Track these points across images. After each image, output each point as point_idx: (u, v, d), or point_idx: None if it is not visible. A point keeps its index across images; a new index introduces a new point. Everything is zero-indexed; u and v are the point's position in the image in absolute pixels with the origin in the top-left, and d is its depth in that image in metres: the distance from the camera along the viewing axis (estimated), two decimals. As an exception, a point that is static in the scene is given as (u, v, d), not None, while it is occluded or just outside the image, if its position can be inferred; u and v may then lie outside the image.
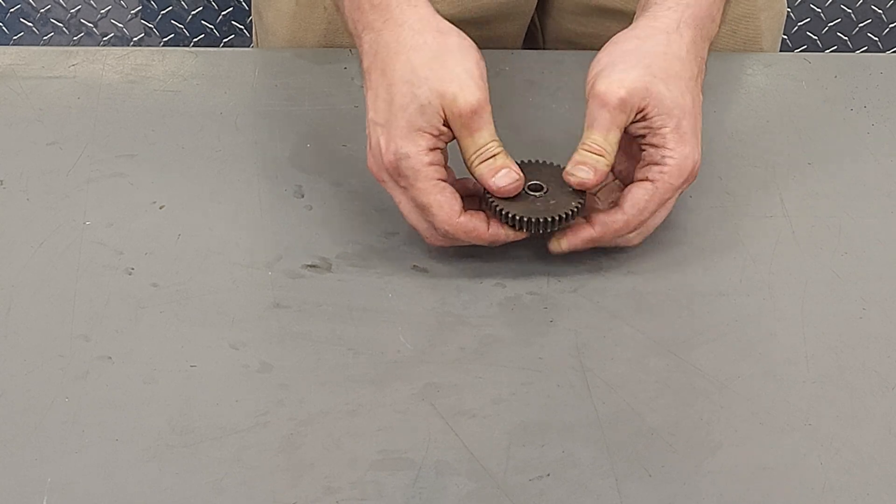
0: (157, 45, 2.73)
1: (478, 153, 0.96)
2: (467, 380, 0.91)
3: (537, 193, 0.98)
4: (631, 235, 0.99)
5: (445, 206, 0.95)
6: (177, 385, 0.90)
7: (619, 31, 1.02)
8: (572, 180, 0.97)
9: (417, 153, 0.95)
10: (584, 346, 0.93)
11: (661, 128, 0.96)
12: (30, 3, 2.75)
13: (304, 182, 1.08)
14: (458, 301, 0.97)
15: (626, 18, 1.14)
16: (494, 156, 0.96)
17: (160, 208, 1.05)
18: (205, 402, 0.89)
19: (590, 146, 0.96)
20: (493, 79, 1.04)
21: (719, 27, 1.04)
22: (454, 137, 0.97)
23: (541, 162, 1.00)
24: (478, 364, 0.92)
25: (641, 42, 0.98)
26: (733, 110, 1.19)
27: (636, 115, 0.96)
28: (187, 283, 0.98)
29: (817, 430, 0.88)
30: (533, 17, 1.35)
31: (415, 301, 0.97)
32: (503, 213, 0.96)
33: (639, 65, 0.96)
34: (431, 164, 0.95)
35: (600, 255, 1.01)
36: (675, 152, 0.96)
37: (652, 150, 0.96)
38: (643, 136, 0.97)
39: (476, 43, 1.17)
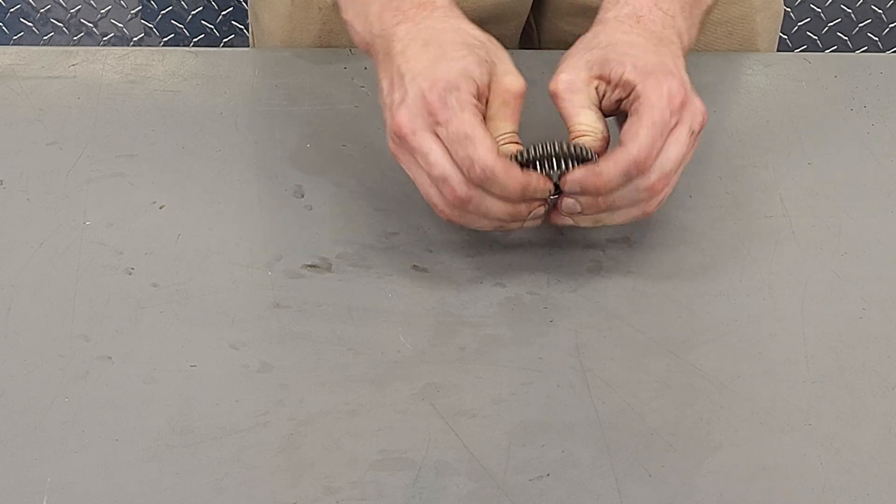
0: (157, 45, 2.73)
1: (504, 137, 0.96)
2: (467, 380, 0.91)
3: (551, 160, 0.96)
4: (648, 182, 0.94)
5: (489, 139, 0.92)
6: (177, 385, 0.90)
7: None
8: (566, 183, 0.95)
9: (467, 90, 0.93)
10: (584, 346, 0.94)
11: (619, 76, 0.95)
12: (30, 3, 2.75)
13: (304, 182, 1.08)
14: (458, 301, 0.97)
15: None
16: (514, 143, 0.96)
17: (160, 208, 1.05)
18: (205, 402, 0.89)
19: (571, 136, 0.96)
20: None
21: (700, 17, 1.04)
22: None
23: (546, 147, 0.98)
24: (478, 364, 0.92)
25: (581, 39, 1.00)
26: (733, 110, 1.19)
27: (601, 87, 0.96)
28: (187, 283, 0.98)
29: (817, 430, 0.88)
30: (528, 17, 1.35)
31: (415, 301, 0.97)
32: (522, 155, 0.94)
33: (577, 51, 0.98)
34: (475, 106, 0.94)
35: (600, 255, 1.01)
36: (645, 82, 0.94)
37: (629, 98, 0.95)
38: (620, 103, 0.96)
39: (532, 51, 1.17)
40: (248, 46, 1.42)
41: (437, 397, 0.89)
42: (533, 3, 1.32)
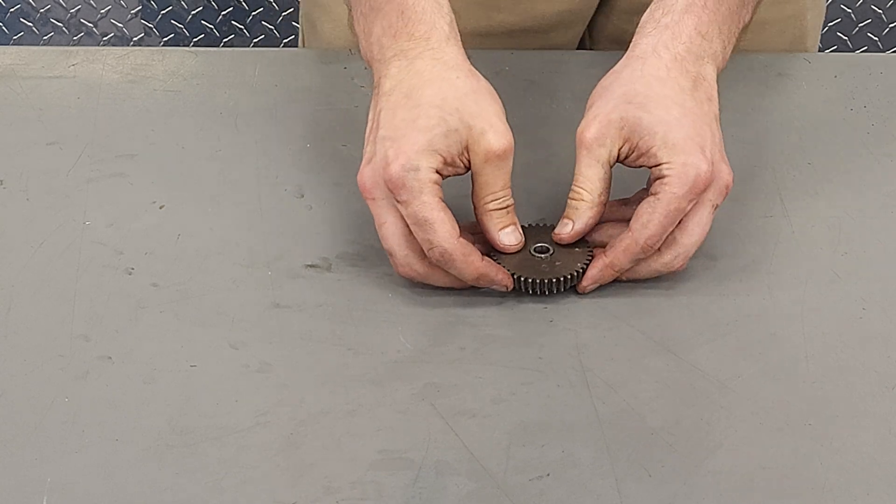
0: (157, 45, 2.73)
1: (493, 196, 0.96)
2: (467, 380, 0.91)
3: (542, 255, 0.98)
4: (668, 259, 0.96)
5: (448, 223, 0.93)
6: (177, 385, 0.90)
7: None
8: (556, 238, 0.98)
9: (428, 168, 0.93)
10: (584, 346, 0.93)
11: (649, 149, 0.95)
12: (30, 3, 2.75)
13: (304, 182, 1.08)
14: (458, 301, 0.97)
15: None
16: (507, 208, 0.97)
17: (160, 208, 1.05)
18: (205, 402, 0.89)
19: (572, 194, 0.97)
20: (493, 79, 1.03)
21: (737, 35, 1.04)
22: (462, 173, 0.96)
23: (546, 225, 1.00)
24: (478, 364, 0.92)
25: (617, 75, 0.99)
26: (733, 111, 1.19)
27: (625, 148, 0.95)
28: (187, 283, 0.98)
29: (817, 430, 0.88)
30: None
31: (415, 301, 0.97)
32: (512, 275, 0.97)
33: (613, 98, 0.96)
34: (436, 183, 0.94)
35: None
36: (672, 162, 0.94)
37: (653, 170, 0.95)
38: (644, 167, 0.96)
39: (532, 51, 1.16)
40: (249, 46, 1.42)
41: (437, 397, 0.89)
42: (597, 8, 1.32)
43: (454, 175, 0.96)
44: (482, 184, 0.96)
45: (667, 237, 0.95)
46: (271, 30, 2.74)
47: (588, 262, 0.97)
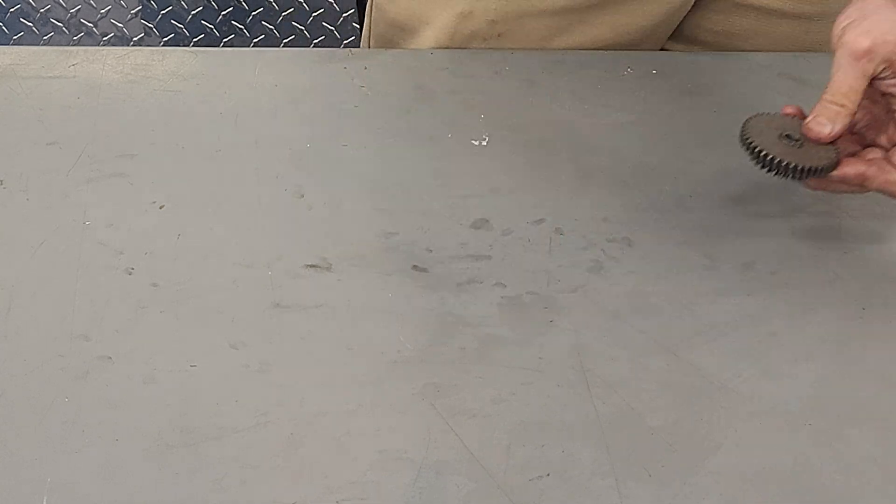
0: (157, 45, 2.73)
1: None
2: (467, 380, 0.91)
3: (791, 141, 0.99)
4: None
5: None
6: (177, 385, 0.90)
7: (762, 27, 1.03)
8: (809, 133, 0.99)
9: None
10: (584, 346, 0.93)
11: None
12: (30, 3, 2.75)
13: (304, 182, 1.08)
14: (458, 301, 0.97)
15: (771, 14, 1.14)
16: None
17: (160, 208, 1.05)
18: (205, 402, 0.88)
19: (830, 98, 0.98)
20: (493, 79, 1.04)
21: None
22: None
23: (790, 116, 1.03)
24: (478, 364, 0.92)
25: (893, 3, 0.99)
26: (733, 110, 1.19)
27: (887, 69, 0.97)
28: (187, 283, 0.98)
29: (817, 430, 0.88)
30: None
31: (415, 301, 0.97)
32: (766, 156, 0.98)
33: (889, 20, 0.97)
34: None
35: (600, 255, 1.01)
36: None
37: None
38: (894, 95, 0.98)
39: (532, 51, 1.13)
40: (249, 46, 1.42)
41: (437, 397, 0.89)
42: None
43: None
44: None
45: None
46: (271, 30, 2.74)
47: (837, 158, 0.99)
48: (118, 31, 2.77)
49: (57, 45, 2.75)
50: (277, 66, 1.22)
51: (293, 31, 2.73)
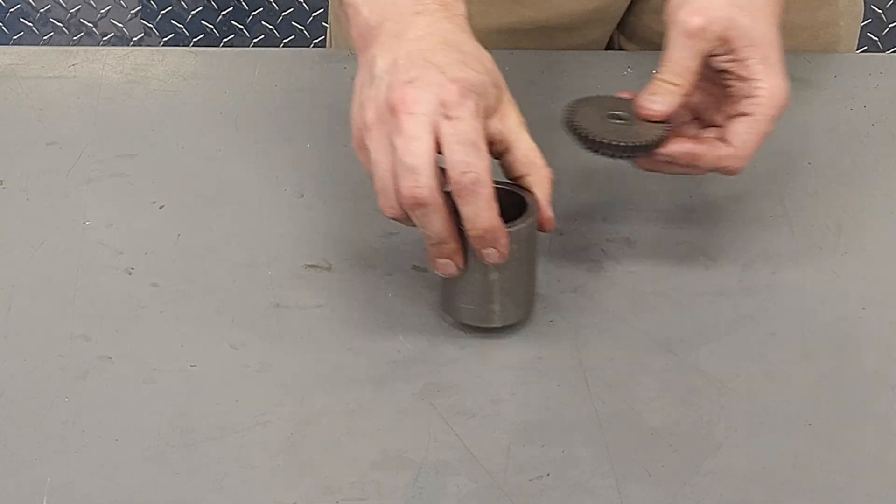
0: (157, 45, 2.73)
1: (541, 155, 0.94)
2: (467, 380, 0.91)
3: (618, 121, 0.97)
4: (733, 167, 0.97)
5: (490, 160, 0.88)
6: (177, 385, 0.90)
7: None
8: (642, 111, 0.96)
9: (486, 100, 0.89)
10: (584, 346, 0.93)
11: (747, 59, 0.95)
12: (30, 3, 2.75)
13: (304, 182, 1.08)
14: (458, 301, 0.97)
15: None
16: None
17: (160, 208, 1.05)
18: (205, 402, 0.89)
19: (662, 77, 0.96)
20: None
21: None
22: None
23: (621, 98, 0.99)
24: (478, 364, 0.92)
25: None
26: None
27: (721, 47, 0.95)
28: (187, 283, 0.98)
29: (817, 430, 0.88)
30: None
31: (415, 301, 0.97)
32: (587, 135, 0.95)
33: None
34: (484, 121, 0.90)
35: (600, 254, 1.01)
36: (766, 82, 0.95)
37: (740, 83, 0.96)
38: (728, 71, 0.96)
39: (562, 49, 1.13)
40: (249, 46, 1.42)
41: (437, 397, 0.89)
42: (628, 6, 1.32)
43: None
44: (529, 147, 0.91)
45: None
46: (271, 30, 2.74)
47: (667, 133, 0.96)
48: (118, 31, 2.77)
49: (57, 45, 2.75)
50: (277, 66, 1.22)
51: (293, 30, 2.73)
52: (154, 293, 0.97)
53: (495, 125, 0.90)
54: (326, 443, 0.86)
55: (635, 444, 0.86)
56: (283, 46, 2.69)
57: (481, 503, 0.82)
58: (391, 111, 0.86)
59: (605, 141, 0.95)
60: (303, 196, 1.06)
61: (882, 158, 1.13)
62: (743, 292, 0.99)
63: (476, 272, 0.92)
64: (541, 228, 0.93)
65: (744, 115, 0.95)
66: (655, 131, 0.96)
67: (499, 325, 0.94)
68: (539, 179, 0.92)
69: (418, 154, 0.85)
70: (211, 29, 2.74)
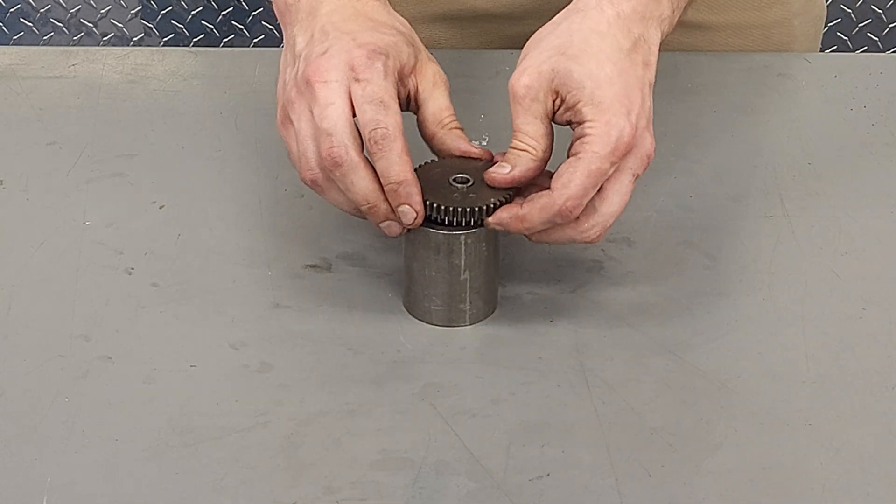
0: (157, 45, 2.73)
1: (451, 115, 0.96)
2: (467, 380, 0.91)
3: (460, 185, 0.94)
4: (585, 227, 0.92)
5: (400, 116, 0.91)
6: (177, 385, 0.90)
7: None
8: (488, 179, 0.93)
9: (395, 61, 0.93)
10: (584, 346, 0.93)
11: (575, 104, 0.91)
12: (30, 4, 2.75)
13: (304, 182, 1.08)
14: (458, 301, 0.97)
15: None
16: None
17: (160, 208, 1.05)
18: (205, 402, 0.88)
19: (513, 144, 0.93)
20: (493, 79, 1.04)
21: (681, 9, 0.99)
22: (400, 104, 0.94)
23: (476, 159, 0.96)
24: (478, 364, 0.92)
25: (555, 26, 0.95)
26: (733, 110, 1.19)
27: (556, 101, 0.92)
28: (187, 283, 0.98)
29: (817, 430, 0.88)
30: None
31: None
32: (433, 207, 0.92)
33: (548, 48, 0.93)
34: (396, 81, 0.93)
35: (600, 254, 1.01)
36: (595, 122, 0.90)
37: (576, 128, 0.92)
38: (570, 123, 0.93)
39: (507, 39, 1.13)
40: (248, 46, 1.42)
41: (437, 397, 0.89)
42: None
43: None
44: (438, 106, 0.95)
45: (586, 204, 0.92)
46: (271, 30, 2.74)
47: (503, 201, 0.93)
48: (118, 31, 2.77)
49: (57, 45, 2.75)
50: (278, 66, 1.21)
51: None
52: (154, 293, 0.97)
53: (412, 82, 0.96)
54: (326, 443, 0.86)
55: (635, 444, 0.86)
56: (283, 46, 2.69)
57: (481, 503, 0.82)
58: (307, 83, 0.92)
59: (438, 206, 0.92)
60: (303, 196, 1.06)
61: (882, 158, 1.13)
62: (743, 292, 0.99)
63: (446, 273, 0.93)
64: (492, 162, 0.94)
65: (572, 155, 0.91)
66: (494, 197, 0.93)
67: (468, 324, 0.95)
68: (445, 136, 0.96)
69: (332, 118, 0.91)
70: (211, 29, 2.74)
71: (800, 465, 0.86)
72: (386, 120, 0.90)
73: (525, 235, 0.94)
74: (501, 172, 0.93)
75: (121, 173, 1.09)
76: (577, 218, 0.92)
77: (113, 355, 0.92)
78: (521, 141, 0.93)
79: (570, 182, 0.90)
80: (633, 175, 0.92)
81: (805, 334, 0.95)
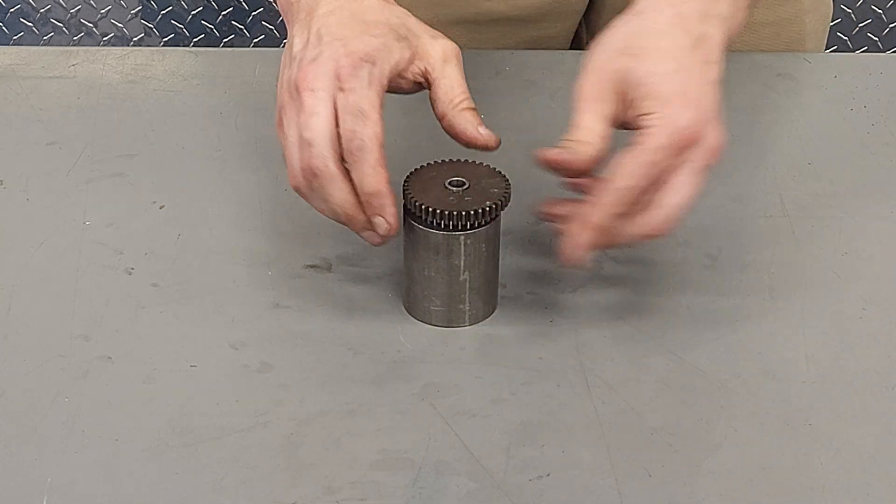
0: (157, 45, 2.73)
1: (463, 95, 0.96)
2: (467, 380, 0.91)
3: (456, 189, 0.94)
4: (649, 219, 0.90)
5: (380, 126, 0.91)
6: (177, 385, 0.90)
7: None
8: (537, 157, 0.92)
9: (383, 67, 0.93)
10: (584, 346, 0.94)
11: (635, 99, 0.91)
12: (30, 3, 2.75)
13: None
14: (458, 301, 0.97)
15: None
16: (475, 109, 0.95)
17: (160, 208, 1.05)
18: (205, 402, 0.89)
19: (567, 137, 0.92)
20: (494, 79, 1.04)
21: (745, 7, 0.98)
22: (407, 88, 0.96)
23: (477, 163, 0.96)
24: (478, 364, 0.92)
25: (616, 29, 0.95)
26: (733, 110, 1.19)
27: (620, 104, 0.91)
28: (187, 283, 0.98)
29: (817, 430, 0.88)
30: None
31: (415, 301, 0.97)
32: (412, 199, 0.93)
33: (610, 49, 0.93)
34: (383, 87, 0.93)
35: (601, 254, 1.01)
36: (655, 114, 0.89)
37: (638, 122, 0.91)
38: (633, 123, 0.91)
39: (524, 42, 1.12)
40: (248, 46, 1.42)
41: (437, 397, 0.89)
42: (590, 2, 1.32)
43: (399, 89, 0.96)
44: (449, 85, 0.95)
45: (649, 198, 0.90)
46: (271, 30, 2.74)
47: (502, 199, 0.93)
48: (118, 31, 2.77)
49: (57, 45, 2.75)
50: (277, 66, 1.21)
51: (293, 31, 2.73)
52: (154, 293, 0.97)
53: (417, 68, 0.96)
54: (326, 443, 0.86)
55: (635, 444, 0.86)
56: (283, 46, 2.69)
57: (481, 503, 0.82)
58: (297, 90, 0.93)
59: (427, 208, 0.92)
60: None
61: (882, 159, 1.13)
62: (743, 292, 0.99)
63: (446, 273, 0.93)
64: (489, 147, 0.95)
65: (631, 145, 0.90)
66: (490, 200, 0.93)
67: (468, 324, 0.95)
68: (454, 118, 0.95)
69: (313, 128, 0.91)
70: (211, 29, 2.74)
71: (800, 465, 0.86)
72: (363, 131, 0.90)
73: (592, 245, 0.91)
74: (550, 151, 0.91)
75: (121, 173, 1.09)
76: (640, 212, 0.90)
77: (113, 355, 0.92)
78: (574, 135, 0.91)
79: (630, 170, 0.89)
80: (699, 167, 0.90)
81: (805, 334, 0.95)
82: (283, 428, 0.87)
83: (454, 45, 0.97)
